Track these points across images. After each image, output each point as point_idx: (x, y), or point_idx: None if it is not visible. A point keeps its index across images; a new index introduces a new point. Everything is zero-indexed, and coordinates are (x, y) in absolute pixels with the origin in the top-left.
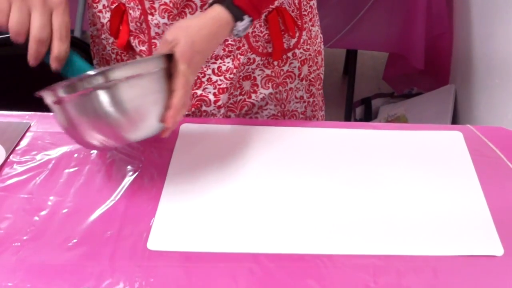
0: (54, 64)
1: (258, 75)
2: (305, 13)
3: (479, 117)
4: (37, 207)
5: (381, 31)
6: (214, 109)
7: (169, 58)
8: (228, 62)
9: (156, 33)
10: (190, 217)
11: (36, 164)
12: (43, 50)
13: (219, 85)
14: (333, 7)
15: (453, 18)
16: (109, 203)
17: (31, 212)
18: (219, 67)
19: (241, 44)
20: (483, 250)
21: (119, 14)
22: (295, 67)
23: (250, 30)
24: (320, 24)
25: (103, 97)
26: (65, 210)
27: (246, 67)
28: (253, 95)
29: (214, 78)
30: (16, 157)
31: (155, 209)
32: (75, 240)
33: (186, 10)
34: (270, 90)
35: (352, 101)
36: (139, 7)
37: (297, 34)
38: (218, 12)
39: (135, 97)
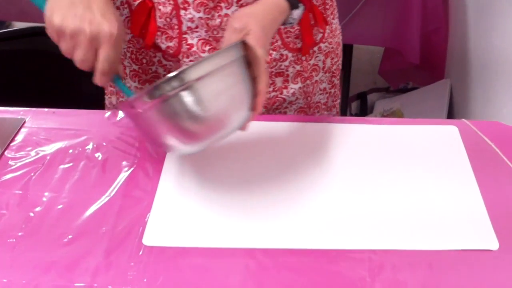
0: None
1: (291, 72)
2: (327, 6)
3: (475, 111)
4: (32, 203)
5: (377, 25)
6: None
7: (241, 46)
8: None
9: (189, 27)
10: (185, 212)
11: (31, 160)
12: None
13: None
14: None
15: (449, 13)
16: (104, 199)
17: (26, 208)
18: None
19: (274, 40)
20: (479, 244)
21: (145, 10)
22: (320, 60)
23: (283, 27)
24: None
25: (192, 96)
26: (60, 206)
27: (279, 63)
28: (284, 91)
29: None
30: (11, 153)
31: (151, 205)
32: (70, 236)
33: (222, 4)
34: (299, 84)
35: (347, 96)
36: (171, 2)
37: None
38: (278, 0)
39: (221, 90)
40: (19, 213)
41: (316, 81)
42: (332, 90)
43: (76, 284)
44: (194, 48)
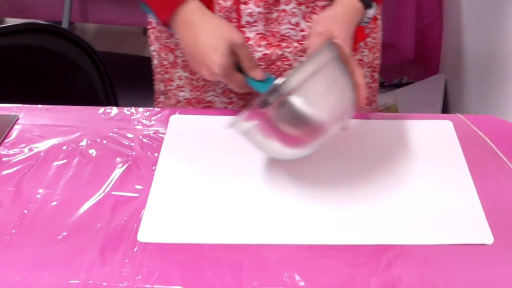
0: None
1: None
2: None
3: (469, 106)
4: (26, 200)
5: None
6: None
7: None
8: None
9: (247, 22)
10: (180, 208)
11: (24, 157)
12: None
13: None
14: None
15: (443, 8)
16: (98, 195)
17: (20, 205)
18: None
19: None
20: (473, 238)
21: (205, 4)
22: (365, 55)
23: None
24: None
25: (302, 97)
26: (54, 203)
27: None
28: None
29: None
30: (4, 150)
31: (145, 201)
32: (64, 233)
33: (282, 0)
34: (358, 56)
35: None
36: None
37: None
38: (351, 1)
39: (328, 85)
40: (13, 211)
41: None
42: (373, 85)
43: (71, 281)
44: (251, 42)
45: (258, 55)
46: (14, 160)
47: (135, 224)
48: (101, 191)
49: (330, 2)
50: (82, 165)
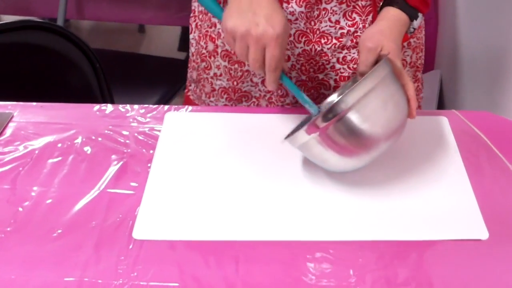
0: (269, 87)
1: None
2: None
3: (465, 102)
4: (20, 198)
5: None
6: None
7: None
8: (354, 53)
9: (288, 20)
10: (175, 206)
11: (19, 155)
12: (263, 74)
13: (342, 72)
14: None
15: (439, 4)
16: (93, 193)
17: (14, 203)
18: (344, 57)
19: None
20: (469, 234)
21: None
22: (408, 55)
23: None
24: None
25: (360, 113)
26: (49, 201)
27: None
28: None
29: (337, 66)
30: None
31: (140, 199)
32: (59, 231)
33: None
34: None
35: None
36: None
37: None
38: (396, 14)
39: (381, 105)
40: (7, 208)
41: None
42: (416, 84)
43: (66, 279)
44: (291, 38)
45: (297, 51)
46: (8, 158)
47: (130, 222)
48: (96, 188)
49: (370, 2)
50: (77, 163)
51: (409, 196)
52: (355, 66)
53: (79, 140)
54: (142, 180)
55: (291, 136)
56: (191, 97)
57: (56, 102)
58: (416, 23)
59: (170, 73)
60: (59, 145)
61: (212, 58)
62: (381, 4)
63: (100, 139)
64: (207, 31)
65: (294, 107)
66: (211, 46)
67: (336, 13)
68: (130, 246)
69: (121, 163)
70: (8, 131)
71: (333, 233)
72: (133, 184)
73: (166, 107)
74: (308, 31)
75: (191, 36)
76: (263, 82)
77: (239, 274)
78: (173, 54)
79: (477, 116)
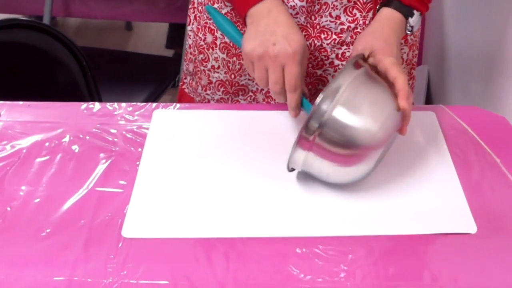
0: (292, 113)
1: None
2: None
3: (452, 97)
4: (8, 197)
5: None
6: None
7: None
8: None
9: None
10: (164, 203)
11: (6, 154)
12: (285, 100)
13: (340, 69)
14: None
15: None
16: (82, 191)
17: (2, 202)
18: (343, 53)
19: None
20: (457, 228)
21: None
22: (404, 52)
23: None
24: None
25: (341, 112)
26: (37, 200)
27: None
28: None
29: (336, 62)
30: None
31: (129, 197)
32: (48, 230)
33: None
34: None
35: None
36: None
37: None
38: (389, 13)
39: (362, 98)
40: None
41: None
42: (410, 82)
43: (55, 278)
44: None
45: None
46: None
47: (119, 220)
48: (84, 187)
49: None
50: (65, 161)
51: (397, 191)
52: None
53: (66, 138)
54: (130, 178)
55: (289, 163)
56: (186, 90)
57: (43, 101)
58: (412, 21)
59: (158, 71)
60: (47, 144)
61: (211, 50)
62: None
63: (88, 137)
64: (206, 22)
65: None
66: (209, 38)
67: (337, 8)
68: (120, 245)
69: (109, 161)
70: None
71: (323, 229)
72: (121, 182)
73: (154, 104)
74: (308, 25)
75: (188, 27)
76: None
77: (230, 271)
78: (160, 51)
79: (464, 111)
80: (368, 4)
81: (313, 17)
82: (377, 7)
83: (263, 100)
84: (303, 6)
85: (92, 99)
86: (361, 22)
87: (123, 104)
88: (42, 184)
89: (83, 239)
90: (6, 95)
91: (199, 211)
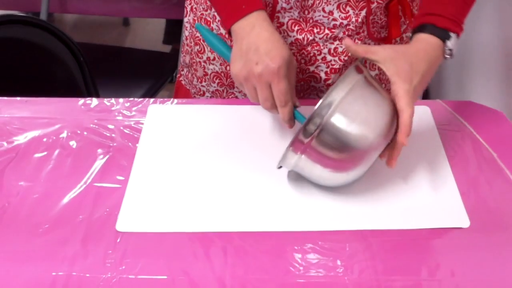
0: (286, 125)
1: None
2: None
3: (449, 91)
4: (6, 193)
5: None
6: (322, 86)
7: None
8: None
9: (283, 8)
10: (159, 198)
11: (4, 150)
12: (278, 114)
13: (332, 65)
14: None
15: None
16: (80, 187)
17: (0, 198)
18: (335, 48)
19: (361, 30)
20: (450, 222)
21: None
22: None
23: (370, 17)
24: None
25: (339, 118)
26: (35, 196)
27: None
28: None
29: (328, 57)
30: None
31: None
32: (46, 225)
33: None
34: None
35: None
36: None
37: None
38: (425, 38)
39: (361, 105)
40: None
41: None
42: None
43: (54, 273)
44: (284, 27)
45: (290, 39)
46: None
47: (118, 215)
48: (82, 182)
49: None
50: (63, 157)
51: (391, 185)
52: (346, 58)
53: (64, 134)
54: (128, 173)
55: (281, 161)
56: (183, 82)
57: (40, 97)
58: (450, 44)
59: (155, 66)
60: (45, 139)
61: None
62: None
63: (85, 133)
64: (202, 14)
65: None
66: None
67: (330, 4)
68: (118, 240)
69: (107, 157)
70: None
71: (320, 224)
72: (119, 177)
73: (152, 100)
74: (301, 20)
75: (185, 19)
76: None
77: (228, 266)
78: (158, 47)
79: (461, 105)
80: (361, 3)
81: (306, 12)
82: (373, 3)
83: None
84: (297, 1)
85: (90, 94)
86: (353, 19)
87: (121, 100)
88: (40, 180)
89: (81, 234)
90: (3, 91)
91: (195, 205)
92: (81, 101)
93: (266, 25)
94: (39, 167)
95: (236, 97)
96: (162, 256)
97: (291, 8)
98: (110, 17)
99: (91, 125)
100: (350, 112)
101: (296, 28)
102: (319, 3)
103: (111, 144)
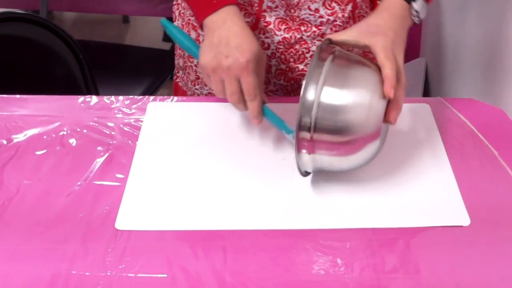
0: (254, 121)
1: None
2: None
3: (450, 89)
4: (6, 191)
5: None
6: None
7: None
8: None
9: (268, 6)
10: (159, 196)
11: (3, 148)
12: (246, 109)
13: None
14: None
15: None
16: (79, 185)
17: (0, 196)
18: None
19: (348, 25)
20: (451, 221)
21: None
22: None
23: (356, 11)
24: None
25: (328, 94)
26: (35, 194)
27: None
28: None
29: None
30: None
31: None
32: (46, 224)
33: None
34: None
35: None
36: None
37: None
38: (389, 2)
39: (345, 75)
40: None
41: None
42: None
43: (54, 272)
44: (271, 26)
45: (277, 38)
46: None
47: (117, 213)
48: (82, 180)
49: None
50: (63, 155)
51: (391, 183)
52: None
53: (64, 132)
54: (128, 171)
55: (299, 168)
56: (180, 83)
57: (40, 95)
58: (417, 6)
59: (155, 64)
60: (44, 137)
61: None
62: None
63: (85, 131)
64: (189, 19)
65: (276, 95)
66: (193, 35)
67: (315, 2)
68: (118, 238)
69: (106, 154)
70: None
71: (320, 222)
72: (119, 175)
73: (152, 97)
74: (287, 18)
75: (175, 24)
76: None
77: (227, 264)
78: (158, 44)
79: (462, 103)
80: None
81: (292, 10)
82: None
83: None
84: (282, 0)
85: (89, 92)
86: (340, 15)
87: (120, 98)
88: (39, 177)
89: (81, 232)
90: (2, 88)
91: (195, 203)
92: (81, 98)
93: (237, 19)
94: (38, 165)
95: None
96: (162, 254)
97: (276, 7)
98: (110, 14)
99: (91, 123)
100: (336, 83)
101: (283, 27)
102: (304, 2)
103: (111, 142)
